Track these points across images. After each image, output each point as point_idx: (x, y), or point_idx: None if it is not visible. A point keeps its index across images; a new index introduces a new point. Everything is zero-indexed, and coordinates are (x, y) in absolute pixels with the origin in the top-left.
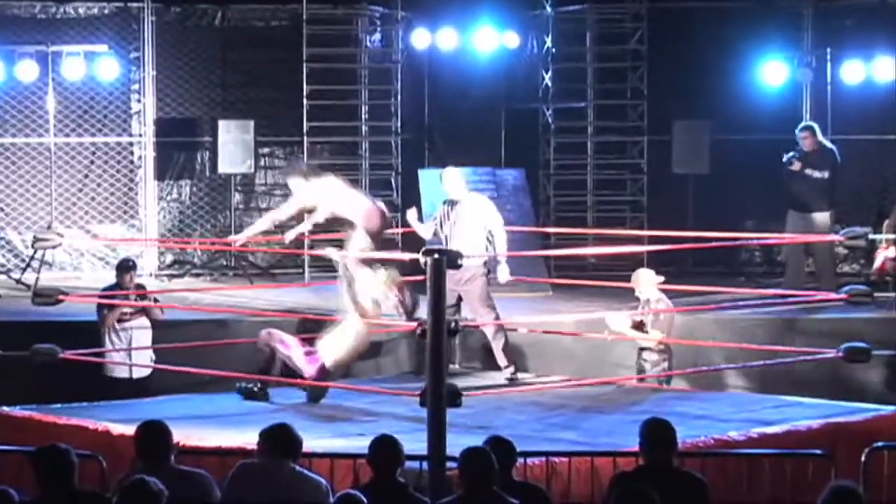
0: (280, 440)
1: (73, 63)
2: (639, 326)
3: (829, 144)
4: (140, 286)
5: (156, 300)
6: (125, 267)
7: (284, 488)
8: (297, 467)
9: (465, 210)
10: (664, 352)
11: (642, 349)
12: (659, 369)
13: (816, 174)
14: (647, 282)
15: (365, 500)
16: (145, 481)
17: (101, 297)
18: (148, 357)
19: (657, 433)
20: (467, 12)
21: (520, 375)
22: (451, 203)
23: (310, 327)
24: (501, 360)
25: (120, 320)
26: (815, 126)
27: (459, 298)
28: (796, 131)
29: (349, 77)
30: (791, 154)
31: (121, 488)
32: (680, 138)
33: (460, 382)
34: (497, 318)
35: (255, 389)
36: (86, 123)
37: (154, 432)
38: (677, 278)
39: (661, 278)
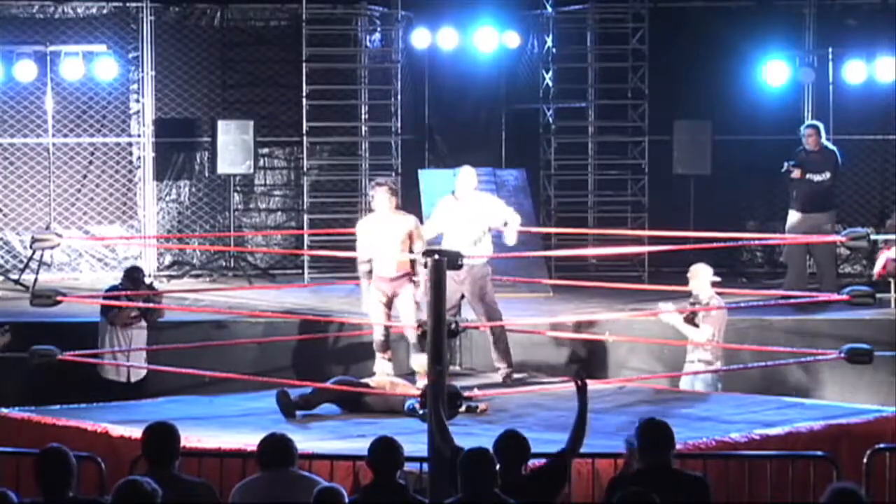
0: (277, 448)
1: (72, 63)
2: (690, 322)
3: (830, 146)
4: (150, 287)
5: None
6: (134, 279)
7: (287, 494)
8: (296, 470)
9: (471, 209)
10: (716, 351)
11: (694, 349)
12: (714, 367)
13: (818, 178)
14: (703, 278)
15: (344, 492)
16: (139, 481)
17: (104, 297)
18: (145, 359)
19: (655, 434)
20: (467, 12)
21: (519, 376)
22: (458, 200)
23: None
24: (499, 361)
25: (126, 324)
26: (821, 126)
27: (463, 296)
28: (801, 129)
29: (349, 77)
30: (790, 162)
31: (114, 489)
32: (681, 138)
33: (461, 383)
34: (500, 318)
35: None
36: (84, 124)
37: (161, 434)
38: (678, 279)
39: (718, 278)
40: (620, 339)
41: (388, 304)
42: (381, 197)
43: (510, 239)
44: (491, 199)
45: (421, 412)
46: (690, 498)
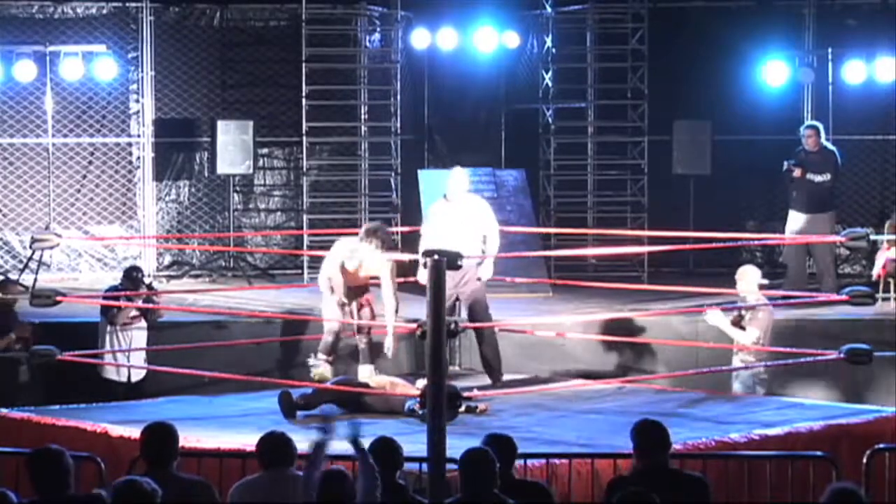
0: (276, 448)
1: (72, 63)
2: (737, 324)
3: (830, 146)
4: (150, 287)
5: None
6: (134, 279)
7: (285, 494)
8: (295, 471)
9: (464, 211)
10: (760, 353)
11: (738, 351)
12: (755, 371)
13: (818, 178)
14: (751, 279)
15: (350, 475)
16: (138, 481)
17: (103, 297)
18: (144, 360)
19: (651, 434)
20: (467, 12)
21: (519, 377)
22: (449, 202)
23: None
24: (488, 364)
25: (125, 324)
26: (821, 126)
27: (456, 299)
28: (801, 129)
29: (348, 77)
30: (791, 161)
31: (113, 488)
32: (680, 139)
33: (460, 383)
34: (491, 321)
35: (300, 402)
36: (84, 124)
37: (160, 434)
38: (677, 279)
39: (766, 281)
40: (620, 339)
41: (343, 306)
42: (370, 248)
43: (484, 274)
44: (482, 203)
45: (420, 412)
46: (690, 498)
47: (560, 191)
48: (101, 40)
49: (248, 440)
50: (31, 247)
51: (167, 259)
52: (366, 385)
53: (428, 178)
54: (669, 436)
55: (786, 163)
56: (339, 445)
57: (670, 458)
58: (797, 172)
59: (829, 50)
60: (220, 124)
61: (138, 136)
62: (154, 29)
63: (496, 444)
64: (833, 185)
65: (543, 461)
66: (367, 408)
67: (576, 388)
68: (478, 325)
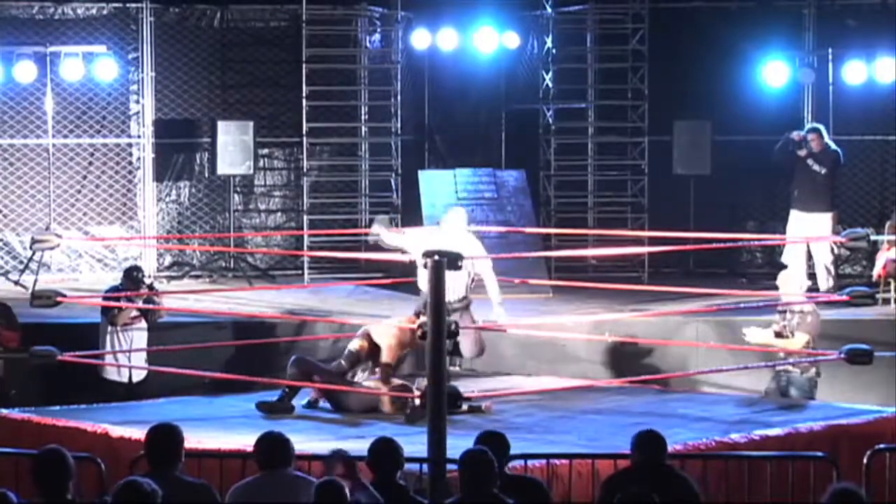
0: (273, 448)
1: (72, 64)
2: (778, 334)
3: (833, 146)
4: (151, 287)
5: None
6: (135, 279)
7: (283, 496)
8: (293, 472)
9: (454, 245)
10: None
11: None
12: (809, 375)
13: (816, 167)
14: (795, 284)
15: (345, 487)
16: (138, 482)
17: (104, 297)
18: (145, 360)
19: (648, 444)
20: (467, 12)
21: (521, 377)
22: (444, 234)
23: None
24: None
25: (126, 324)
26: (822, 128)
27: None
28: (803, 133)
29: (349, 78)
30: (796, 132)
31: (114, 489)
32: (681, 139)
33: (460, 384)
34: (482, 351)
35: (281, 402)
36: (84, 124)
37: (164, 435)
38: (678, 279)
39: (809, 283)
40: (620, 339)
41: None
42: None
43: (501, 318)
44: (475, 242)
45: (408, 412)
46: (678, 493)
47: (560, 191)
48: (101, 41)
49: (248, 440)
50: (31, 247)
51: (167, 260)
52: (359, 384)
53: (428, 179)
54: (666, 445)
55: (788, 136)
56: (337, 445)
57: (671, 457)
58: (802, 151)
59: (830, 50)
60: (221, 125)
61: (138, 136)
62: (154, 29)
63: (489, 443)
64: (832, 181)
65: (544, 461)
66: (358, 406)
67: (576, 388)
68: (480, 326)
